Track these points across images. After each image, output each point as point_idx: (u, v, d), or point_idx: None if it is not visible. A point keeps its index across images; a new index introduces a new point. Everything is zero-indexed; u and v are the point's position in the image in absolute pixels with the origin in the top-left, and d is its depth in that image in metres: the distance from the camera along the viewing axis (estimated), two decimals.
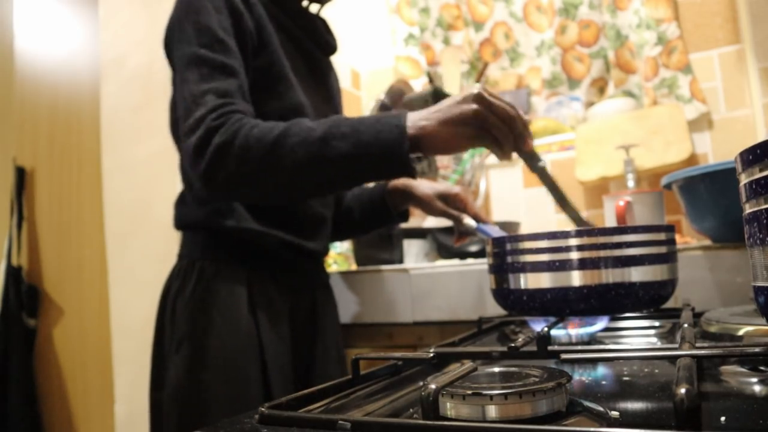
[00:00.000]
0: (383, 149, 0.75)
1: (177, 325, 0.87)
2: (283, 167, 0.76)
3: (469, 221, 0.97)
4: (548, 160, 1.59)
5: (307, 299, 0.98)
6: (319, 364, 0.97)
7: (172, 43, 0.88)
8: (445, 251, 1.26)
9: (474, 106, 0.75)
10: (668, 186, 0.96)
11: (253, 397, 0.83)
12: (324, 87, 1.06)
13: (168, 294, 0.91)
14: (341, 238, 1.15)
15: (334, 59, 1.11)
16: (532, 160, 0.82)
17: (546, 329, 0.55)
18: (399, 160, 0.75)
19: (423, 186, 1.03)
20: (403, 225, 1.36)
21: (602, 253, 0.61)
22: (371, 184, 1.09)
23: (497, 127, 0.76)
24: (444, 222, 1.44)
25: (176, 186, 0.99)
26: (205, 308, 0.86)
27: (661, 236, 0.63)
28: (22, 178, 1.79)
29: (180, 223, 0.94)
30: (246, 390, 0.84)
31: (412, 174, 0.77)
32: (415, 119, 0.76)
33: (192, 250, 0.91)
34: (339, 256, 1.39)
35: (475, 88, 0.76)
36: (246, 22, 0.87)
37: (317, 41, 1.03)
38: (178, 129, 0.88)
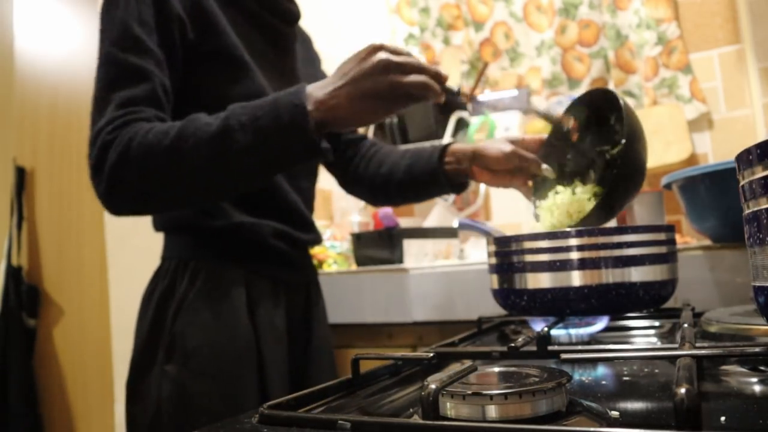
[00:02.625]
0: (285, 134, 0.70)
1: (165, 331, 0.80)
2: (186, 173, 0.72)
3: (545, 168, 0.85)
4: None
5: (301, 297, 0.95)
6: (314, 366, 0.94)
7: (99, 32, 0.81)
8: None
9: (388, 77, 0.69)
10: (668, 186, 0.96)
11: (248, 409, 0.79)
12: (288, 60, 0.97)
13: (151, 296, 0.85)
14: (395, 205, 1.12)
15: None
16: (453, 95, 0.77)
17: (546, 329, 0.55)
18: (305, 144, 0.70)
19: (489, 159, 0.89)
20: (403, 225, 1.36)
21: (602, 253, 0.61)
22: (425, 154, 0.98)
23: (415, 85, 0.70)
24: (443, 223, 1.44)
25: None
26: (200, 312, 0.80)
27: (661, 236, 0.63)
28: (22, 178, 1.79)
29: (163, 224, 0.89)
30: (242, 403, 0.79)
31: (325, 155, 0.72)
32: (320, 97, 0.70)
33: (181, 250, 0.86)
34: (339, 256, 1.39)
35: (378, 55, 0.70)
36: (173, 8, 0.79)
37: (274, 10, 0.93)
38: None
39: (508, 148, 0.86)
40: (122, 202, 0.75)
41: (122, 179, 0.72)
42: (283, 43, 0.96)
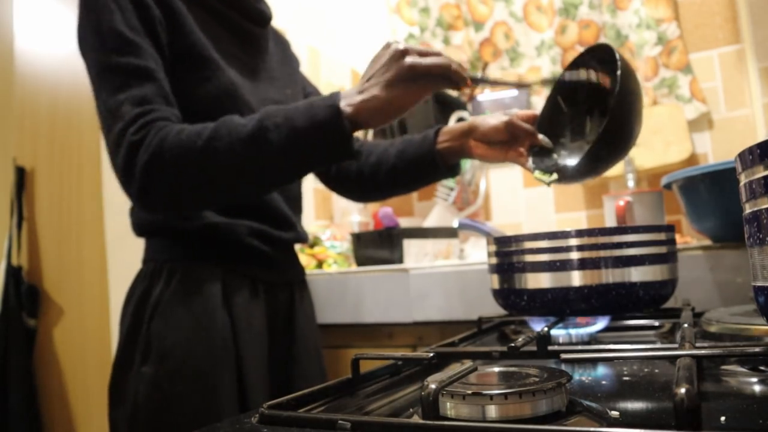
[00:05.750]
0: (320, 132, 0.71)
1: (142, 334, 0.80)
2: (220, 172, 0.73)
3: (541, 138, 0.86)
4: None
5: (284, 296, 0.94)
6: (299, 366, 0.93)
7: (81, 49, 0.80)
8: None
9: (407, 60, 0.71)
10: (668, 186, 0.96)
11: (226, 412, 0.78)
12: (262, 61, 0.97)
13: (130, 300, 0.85)
14: (384, 197, 1.08)
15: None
16: (478, 81, 0.80)
17: (546, 329, 0.55)
18: (339, 140, 0.72)
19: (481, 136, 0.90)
20: (403, 225, 1.36)
21: (602, 253, 0.61)
22: (416, 139, 0.97)
23: (437, 65, 0.72)
24: (443, 223, 1.44)
25: None
26: (175, 312, 0.80)
27: (661, 236, 0.63)
28: (22, 178, 1.79)
29: (140, 230, 0.89)
30: (219, 404, 0.78)
31: (356, 156, 0.74)
32: (350, 95, 0.73)
33: (157, 253, 0.86)
34: (339, 256, 1.39)
35: (394, 45, 0.73)
36: (152, 11, 0.79)
37: (243, 12, 0.93)
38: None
39: (505, 118, 0.87)
40: (156, 201, 0.75)
41: (156, 179, 0.73)
42: (254, 43, 0.96)
